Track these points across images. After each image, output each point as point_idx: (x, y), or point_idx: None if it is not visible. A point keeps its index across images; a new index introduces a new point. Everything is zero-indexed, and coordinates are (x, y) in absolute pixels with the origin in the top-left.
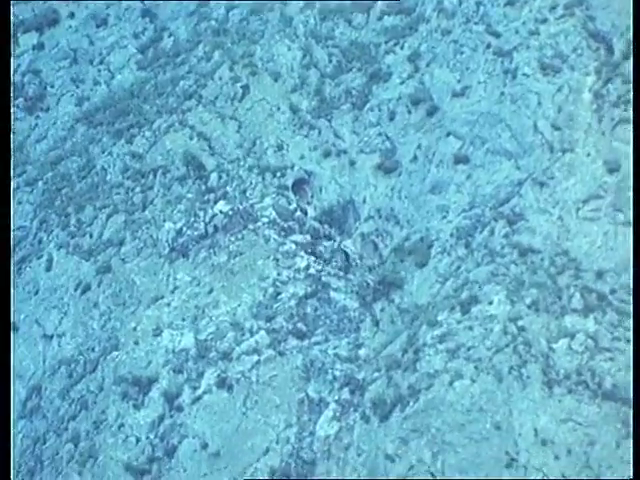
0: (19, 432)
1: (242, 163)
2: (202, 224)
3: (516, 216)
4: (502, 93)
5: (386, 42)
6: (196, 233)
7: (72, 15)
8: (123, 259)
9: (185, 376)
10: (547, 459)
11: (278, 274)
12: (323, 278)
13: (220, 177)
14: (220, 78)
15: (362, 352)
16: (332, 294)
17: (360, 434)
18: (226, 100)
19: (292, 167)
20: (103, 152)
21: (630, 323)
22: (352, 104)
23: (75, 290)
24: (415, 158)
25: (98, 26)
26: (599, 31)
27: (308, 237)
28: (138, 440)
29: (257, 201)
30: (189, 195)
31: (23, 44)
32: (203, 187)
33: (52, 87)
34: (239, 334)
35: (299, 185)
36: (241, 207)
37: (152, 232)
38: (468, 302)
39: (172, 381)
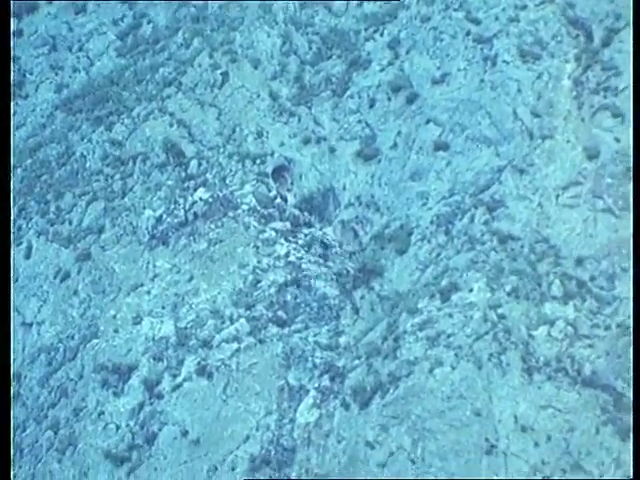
0: None
1: (222, 150)
2: (182, 211)
3: (496, 203)
4: (482, 80)
5: (366, 29)
6: (176, 220)
7: (50, 2)
8: (103, 247)
9: (165, 364)
10: (527, 445)
11: (258, 261)
12: (303, 265)
13: (200, 164)
14: (200, 65)
15: (342, 340)
16: (312, 282)
17: (340, 421)
18: (206, 87)
19: (272, 154)
20: (82, 139)
21: (609, 310)
22: (332, 91)
23: (54, 278)
24: (395, 145)
25: (77, 13)
26: (578, 18)
27: (288, 224)
28: (118, 428)
29: (237, 188)
30: (169, 182)
31: None
32: (183, 174)
33: (31, 74)
34: (219, 322)
35: (279, 172)
36: (221, 194)
37: (132, 219)
38: (448, 289)
39: (152, 369)
